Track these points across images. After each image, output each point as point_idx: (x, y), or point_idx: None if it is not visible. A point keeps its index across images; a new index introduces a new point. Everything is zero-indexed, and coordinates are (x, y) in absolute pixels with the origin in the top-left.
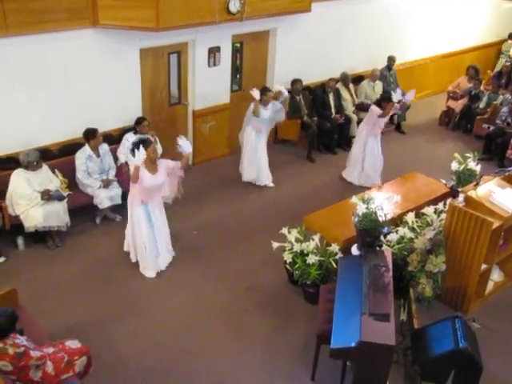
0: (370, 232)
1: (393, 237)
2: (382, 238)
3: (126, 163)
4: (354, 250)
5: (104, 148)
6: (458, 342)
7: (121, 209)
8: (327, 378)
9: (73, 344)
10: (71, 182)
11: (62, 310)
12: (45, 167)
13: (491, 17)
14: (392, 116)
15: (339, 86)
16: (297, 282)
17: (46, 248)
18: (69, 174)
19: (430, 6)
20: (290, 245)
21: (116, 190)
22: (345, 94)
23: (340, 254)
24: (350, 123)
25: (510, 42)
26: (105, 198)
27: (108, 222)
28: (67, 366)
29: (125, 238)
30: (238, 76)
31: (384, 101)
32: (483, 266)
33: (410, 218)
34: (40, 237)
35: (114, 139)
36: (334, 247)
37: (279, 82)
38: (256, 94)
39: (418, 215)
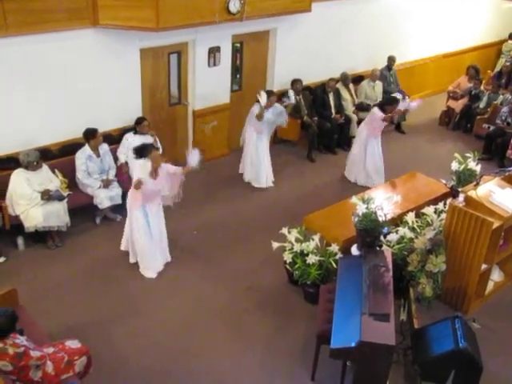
0: (369, 232)
1: (393, 237)
2: (381, 237)
3: (126, 163)
4: (354, 250)
5: (104, 148)
6: (458, 342)
7: (121, 209)
8: (327, 378)
9: (73, 344)
10: (71, 182)
11: (62, 309)
12: (45, 167)
13: (491, 17)
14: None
15: (339, 85)
16: (297, 282)
17: (46, 248)
18: (69, 173)
19: (430, 5)
20: (290, 245)
21: (116, 190)
22: (345, 93)
23: (340, 254)
24: (350, 123)
25: (510, 42)
26: (105, 198)
27: (108, 222)
28: (67, 365)
29: (122, 239)
30: (238, 76)
31: (387, 104)
32: (483, 266)
33: (410, 217)
34: (40, 237)
35: (114, 139)
36: (334, 247)
37: (280, 83)
38: (263, 98)
39: (418, 215)
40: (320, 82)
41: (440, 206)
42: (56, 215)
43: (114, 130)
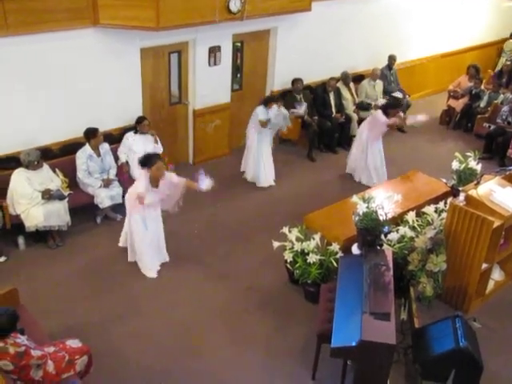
0: (370, 231)
1: (393, 236)
2: (382, 237)
3: (127, 162)
4: (355, 249)
5: (105, 147)
6: (458, 342)
7: (121, 208)
8: (328, 377)
9: (73, 343)
10: (72, 181)
11: (63, 309)
12: (45, 167)
13: (491, 16)
14: None
15: (340, 85)
16: (297, 281)
17: (46, 247)
18: (69, 173)
19: (430, 5)
20: (290, 244)
21: (117, 190)
22: (345, 93)
23: (340, 253)
24: (350, 122)
25: (511, 40)
26: (105, 198)
27: (109, 222)
28: (68, 365)
29: (121, 236)
30: (238, 75)
31: (390, 107)
32: (484, 265)
33: (411, 217)
34: (41, 236)
35: (114, 139)
36: (335, 246)
37: (280, 82)
38: (302, 108)
39: (419, 214)
40: (320, 81)
41: (440, 205)
42: (57, 215)
43: (114, 129)
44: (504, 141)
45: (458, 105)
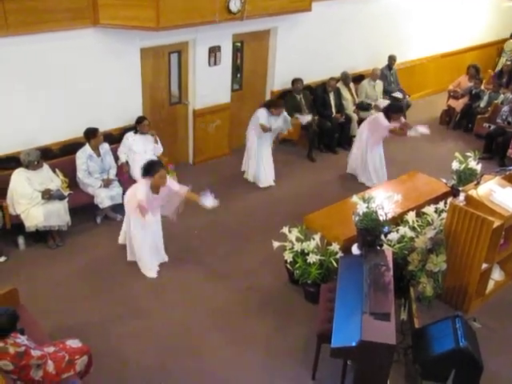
0: (370, 231)
1: (393, 236)
2: (382, 237)
3: (127, 162)
4: (355, 250)
5: (105, 147)
6: (458, 342)
7: (121, 208)
8: (328, 377)
9: (73, 343)
10: (72, 181)
11: (63, 309)
12: (45, 167)
13: (491, 16)
14: None
15: (340, 85)
16: (297, 281)
17: (46, 247)
18: (69, 173)
19: (430, 5)
20: (290, 244)
21: (117, 190)
22: (345, 93)
23: (340, 254)
24: (350, 122)
25: (511, 40)
26: (105, 198)
27: (109, 222)
28: (68, 365)
29: (120, 234)
30: (238, 75)
31: (393, 112)
32: (484, 266)
33: (411, 217)
34: (41, 236)
35: (114, 139)
36: (335, 246)
37: (280, 82)
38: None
39: (419, 214)
40: (320, 82)
41: (440, 205)
42: (57, 215)
43: (114, 129)
44: (504, 141)
45: (458, 105)
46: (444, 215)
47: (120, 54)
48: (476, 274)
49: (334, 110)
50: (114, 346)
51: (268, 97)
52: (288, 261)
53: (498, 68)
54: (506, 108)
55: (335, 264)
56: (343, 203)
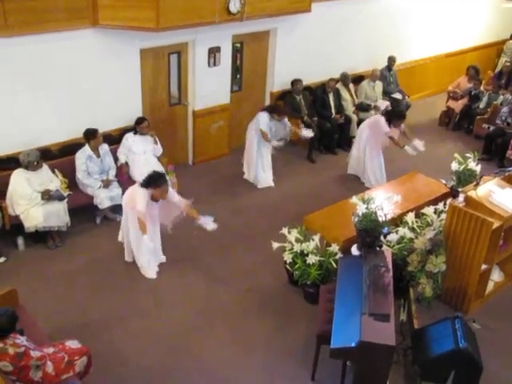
0: (369, 232)
1: (393, 237)
2: (381, 238)
3: (126, 163)
4: (354, 250)
5: (104, 148)
6: (458, 342)
7: (121, 209)
8: (327, 377)
9: (73, 344)
10: (71, 182)
11: (62, 310)
12: (45, 167)
13: (491, 17)
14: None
15: (339, 86)
16: (297, 282)
17: (46, 248)
18: (69, 174)
19: (430, 6)
20: (290, 245)
21: (116, 190)
22: (345, 94)
23: (340, 254)
24: (350, 123)
25: (511, 41)
26: (105, 198)
27: (108, 222)
28: (67, 366)
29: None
30: (238, 76)
31: (395, 118)
32: (483, 266)
33: (410, 218)
34: (40, 237)
35: (114, 139)
36: (334, 247)
37: (280, 83)
38: (306, 132)
39: (418, 215)
40: (320, 82)
41: (440, 206)
42: (56, 215)
43: (114, 130)
44: (503, 142)
45: (458, 106)
46: (443, 216)
47: (120, 54)
48: (475, 274)
49: (333, 110)
50: (114, 347)
51: (268, 97)
52: (287, 261)
53: (498, 69)
54: (505, 109)
55: (335, 265)
56: (343, 204)
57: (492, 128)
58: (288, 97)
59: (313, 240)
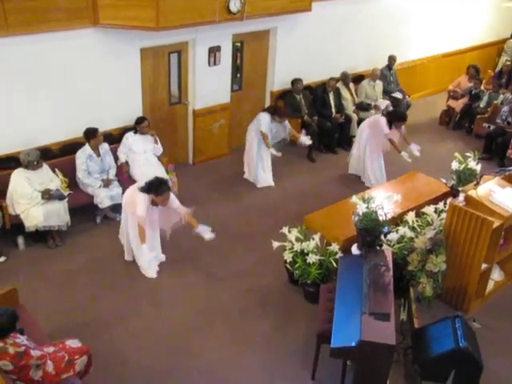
0: (370, 231)
1: (393, 236)
2: (382, 237)
3: (127, 162)
4: (355, 250)
5: (104, 147)
6: (458, 342)
7: (121, 208)
8: (327, 377)
9: (73, 343)
10: (71, 181)
11: (62, 309)
12: (45, 167)
13: (491, 16)
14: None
15: (339, 85)
16: (297, 281)
17: (46, 247)
18: (69, 173)
19: (430, 5)
20: (290, 244)
21: (116, 190)
22: (345, 93)
23: (340, 254)
24: (350, 122)
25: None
26: (105, 198)
27: (108, 222)
28: (68, 365)
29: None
30: (238, 75)
31: (396, 119)
32: (483, 266)
33: (411, 217)
34: (40, 236)
35: (114, 139)
36: (335, 246)
37: (280, 82)
38: (304, 139)
39: (419, 214)
40: (320, 82)
41: (440, 205)
42: (56, 215)
43: (114, 129)
44: (504, 141)
45: (458, 105)
46: (444, 215)
47: (120, 54)
48: (476, 274)
49: (333, 110)
50: (114, 346)
51: (268, 97)
52: (288, 261)
53: (498, 68)
54: (505, 108)
55: (335, 264)
56: (343, 203)
57: (492, 127)
58: (288, 96)
59: (313, 239)
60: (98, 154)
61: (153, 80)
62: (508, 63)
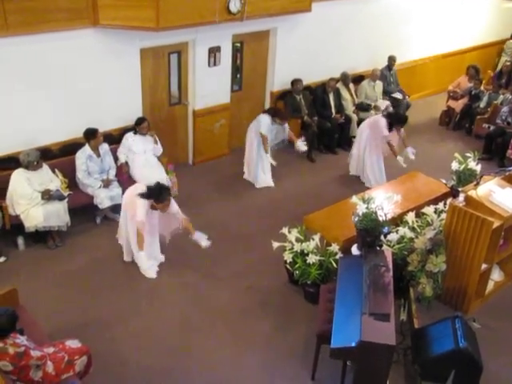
0: (370, 232)
1: (393, 236)
2: (382, 237)
3: (126, 163)
4: (354, 250)
5: (104, 148)
6: (458, 342)
7: (121, 209)
8: (327, 377)
9: (73, 344)
10: (71, 181)
11: (62, 309)
12: (45, 167)
13: (491, 16)
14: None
15: (339, 85)
16: (297, 281)
17: (46, 248)
18: (69, 173)
19: (430, 5)
20: (290, 244)
21: (116, 190)
22: (345, 93)
23: (340, 254)
24: (350, 123)
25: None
26: (105, 198)
27: (108, 222)
28: (67, 365)
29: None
30: (238, 76)
31: (396, 122)
32: (483, 266)
33: (411, 217)
34: (40, 237)
35: (114, 139)
36: (334, 247)
37: (280, 82)
38: (302, 146)
39: (419, 215)
40: (320, 82)
41: (440, 205)
42: (56, 215)
43: (114, 129)
44: (503, 141)
45: (458, 105)
46: (443, 216)
47: (120, 54)
48: (476, 274)
49: (333, 110)
50: (114, 346)
51: (268, 97)
52: (288, 261)
53: (498, 68)
54: (505, 109)
55: (335, 264)
56: (343, 204)
57: (492, 127)
58: (288, 96)
59: (313, 240)
60: (98, 155)
61: (153, 80)
62: (508, 63)
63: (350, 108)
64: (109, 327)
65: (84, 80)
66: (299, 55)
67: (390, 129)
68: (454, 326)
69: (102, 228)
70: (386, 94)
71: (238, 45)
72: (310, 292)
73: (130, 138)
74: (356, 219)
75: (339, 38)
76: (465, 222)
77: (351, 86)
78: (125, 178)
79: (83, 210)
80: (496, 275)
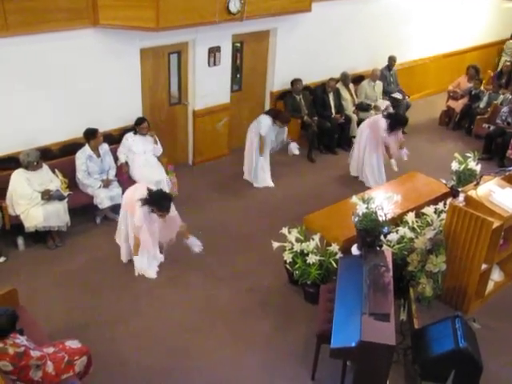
0: (370, 232)
1: (393, 237)
2: (382, 237)
3: (126, 163)
4: (354, 250)
5: (104, 148)
6: (458, 342)
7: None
8: (327, 377)
9: (73, 344)
10: (71, 181)
11: (62, 309)
12: (45, 167)
13: (491, 16)
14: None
15: (339, 85)
16: (297, 281)
17: (46, 248)
18: (69, 173)
19: (430, 5)
20: (290, 245)
21: (116, 190)
22: (345, 93)
23: (340, 254)
24: (350, 123)
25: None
26: (105, 198)
27: (108, 222)
28: (67, 365)
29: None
30: (238, 76)
31: (397, 123)
32: (483, 266)
33: (410, 217)
34: (40, 237)
35: (114, 139)
36: (334, 247)
37: (280, 83)
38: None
39: (418, 215)
40: (320, 82)
41: (440, 205)
42: (56, 215)
43: (114, 129)
44: (503, 141)
45: (458, 105)
46: (443, 216)
47: (120, 54)
48: (476, 274)
49: (333, 110)
50: (114, 346)
51: (268, 97)
52: (287, 261)
53: (498, 68)
54: (505, 109)
55: (335, 264)
56: (343, 204)
57: (492, 127)
58: (288, 96)
59: (313, 240)
60: (98, 155)
61: (153, 80)
62: (508, 63)
63: (349, 108)
64: (109, 327)
65: (84, 80)
66: (299, 55)
67: (392, 131)
68: (454, 326)
69: (101, 228)
70: (386, 94)
71: (238, 45)
72: (309, 292)
73: (129, 138)
74: (356, 219)
75: (339, 38)
76: (465, 222)
77: (351, 86)
78: (125, 178)
79: (83, 210)
80: (496, 275)
